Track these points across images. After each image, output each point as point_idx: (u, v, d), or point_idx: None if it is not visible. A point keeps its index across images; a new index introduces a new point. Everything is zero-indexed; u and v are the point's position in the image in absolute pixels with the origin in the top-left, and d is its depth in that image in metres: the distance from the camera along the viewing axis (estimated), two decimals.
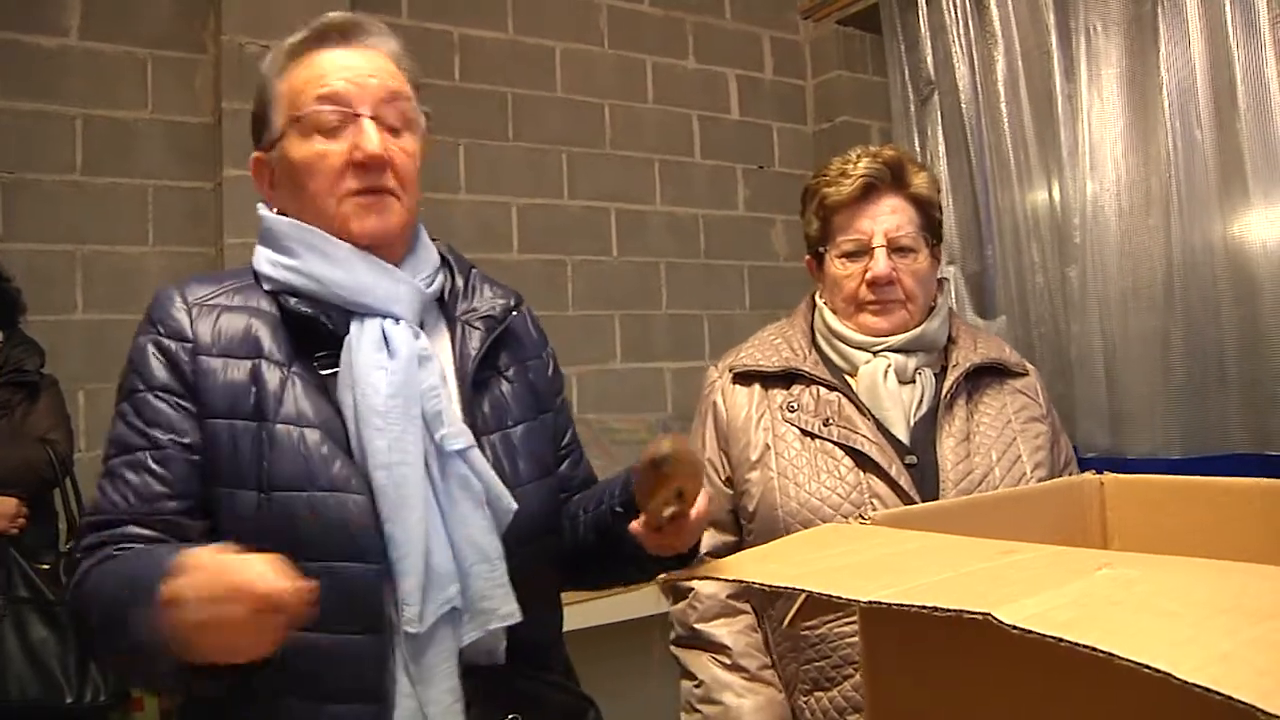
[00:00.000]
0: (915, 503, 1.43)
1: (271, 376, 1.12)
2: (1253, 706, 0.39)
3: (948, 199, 3.60)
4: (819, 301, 1.67)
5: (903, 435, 1.53)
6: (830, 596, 0.64)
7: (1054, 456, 1.58)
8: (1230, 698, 0.40)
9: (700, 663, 1.56)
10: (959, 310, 3.46)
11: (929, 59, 3.66)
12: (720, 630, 1.56)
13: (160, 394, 1.12)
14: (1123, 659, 0.44)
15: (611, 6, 3.88)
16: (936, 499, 1.44)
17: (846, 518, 1.42)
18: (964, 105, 3.49)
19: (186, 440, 1.11)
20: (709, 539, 1.56)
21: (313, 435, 1.09)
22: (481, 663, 1.12)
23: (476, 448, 1.16)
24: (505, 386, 1.27)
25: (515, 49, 3.66)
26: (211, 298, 1.17)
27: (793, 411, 1.55)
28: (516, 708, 1.14)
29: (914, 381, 1.57)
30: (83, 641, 1.08)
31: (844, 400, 1.53)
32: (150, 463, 1.10)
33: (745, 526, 1.58)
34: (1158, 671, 0.43)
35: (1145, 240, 2.93)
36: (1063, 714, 0.60)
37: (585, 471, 1.40)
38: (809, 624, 1.47)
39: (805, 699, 1.49)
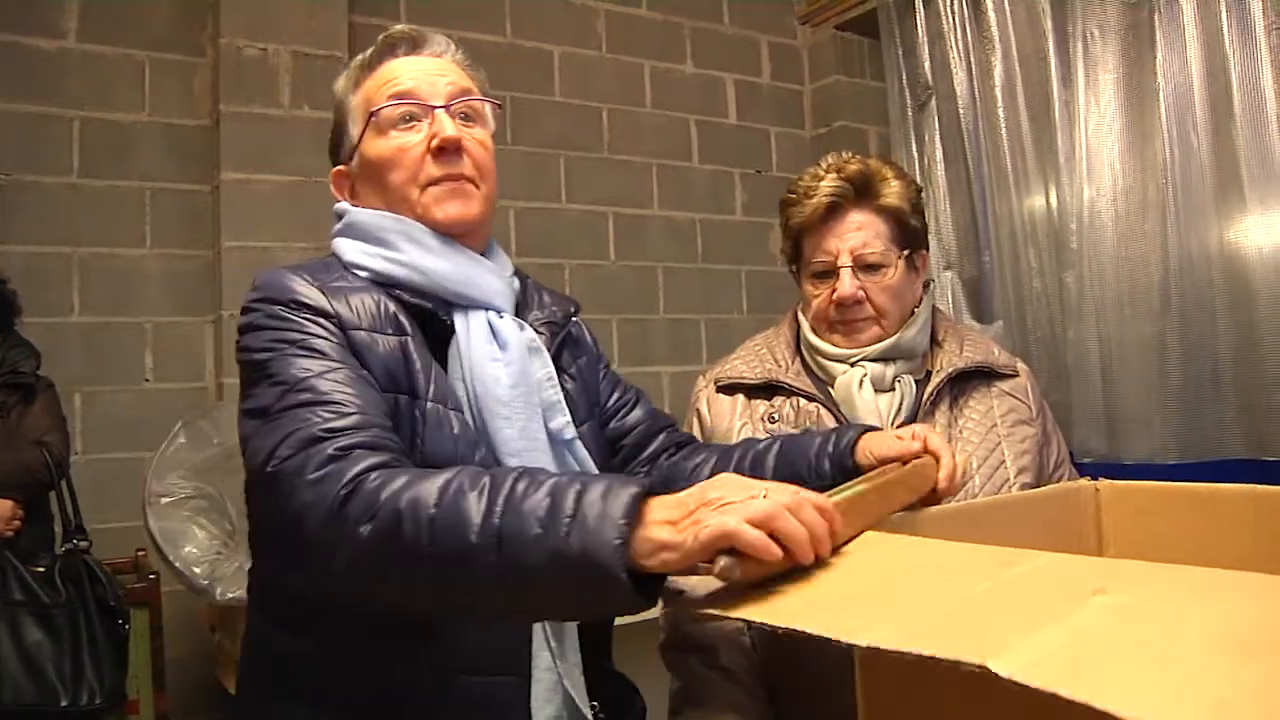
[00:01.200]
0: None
1: (418, 356, 1.12)
2: None
3: (945, 204, 3.62)
4: (800, 315, 1.67)
5: None
6: (830, 640, 0.64)
7: (1042, 459, 1.56)
8: None
9: (685, 664, 1.57)
10: (956, 315, 3.48)
11: (927, 64, 3.67)
12: (707, 633, 1.57)
13: (335, 344, 1.07)
14: (1119, 718, 0.44)
15: (610, 11, 3.88)
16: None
17: None
18: (961, 110, 3.50)
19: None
20: None
21: (456, 418, 1.10)
22: None
23: (579, 439, 1.19)
24: (571, 385, 1.29)
25: (513, 53, 3.67)
26: (332, 281, 1.14)
27: (773, 422, 1.56)
28: (594, 694, 1.17)
29: (893, 389, 1.56)
30: (376, 548, 0.89)
31: (823, 410, 1.54)
32: (365, 384, 1.04)
33: None
34: None
35: (1142, 246, 2.94)
36: None
37: (640, 418, 1.39)
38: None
39: (787, 708, 1.50)
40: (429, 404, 1.09)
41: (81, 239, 2.99)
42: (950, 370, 1.55)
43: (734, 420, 1.59)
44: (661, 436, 1.40)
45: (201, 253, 3.13)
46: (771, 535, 0.79)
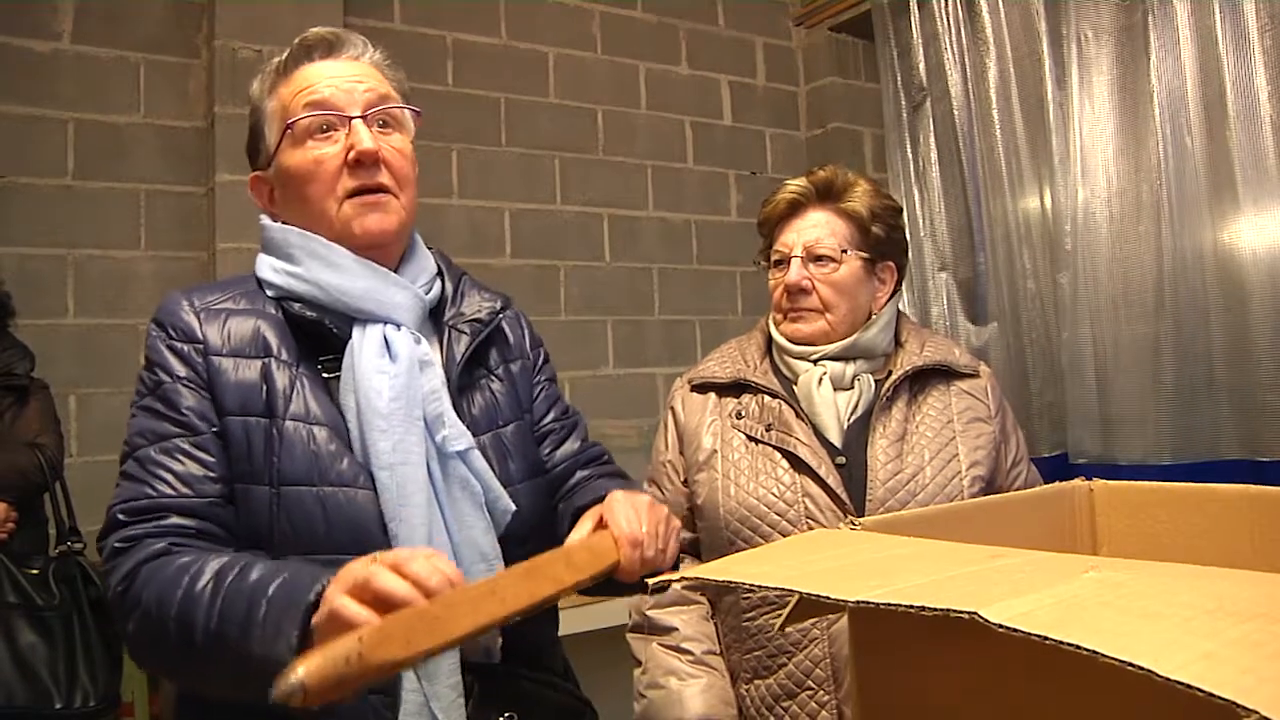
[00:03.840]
0: (844, 501, 1.53)
1: (280, 375, 1.15)
2: (1233, 703, 0.39)
3: (940, 205, 3.62)
4: (770, 316, 1.76)
5: (835, 438, 1.61)
6: (819, 597, 0.64)
7: (998, 457, 1.64)
8: (1211, 694, 0.40)
9: (649, 648, 1.63)
10: (950, 317, 3.49)
11: (921, 65, 3.67)
12: (671, 617, 1.63)
13: (187, 384, 1.14)
14: (1106, 657, 0.44)
15: (604, 12, 3.88)
16: (865, 497, 1.54)
17: (781, 515, 1.54)
18: (956, 112, 3.51)
19: (216, 429, 1.13)
20: None
21: (321, 433, 1.13)
22: (477, 660, 1.14)
23: (477, 450, 1.19)
24: (496, 386, 1.30)
25: (508, 54, 3.67)
26: (217, 302, 1.20)
27: (740, 419, 1.65)
28: (512, 706, 1.16)
29: (852, 387, 1.65)
30: (139, 641, 1.05)
31: (785, 407, 1.62)
32: (189, 447, 1.11)
33: (697, 524, 1.67)
34: (1140, 669, 0.43)
35: (1136, 247, 2.94)
36: (1049, 714, 0.60)
37: (569, 453, 1.39)
38: (749, 615, 1.56)
39: (746, 687, 1.58)
40: (286, 422, 1.12)
41: (76, 241, 2.99)
42: (908, 368, 1.65)
43: (704, 417, 1.69)
44: (581, 472, 1.38)
45: (196, 254, 3.12)
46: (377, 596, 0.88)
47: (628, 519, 1.09)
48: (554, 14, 3.78)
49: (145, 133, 3.10)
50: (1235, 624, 0.50)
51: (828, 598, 0.62)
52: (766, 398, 1.64)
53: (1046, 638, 0.48)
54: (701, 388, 1.72)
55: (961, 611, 0.52)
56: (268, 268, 1.23)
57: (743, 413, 1.65)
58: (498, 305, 1.33)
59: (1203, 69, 2.76)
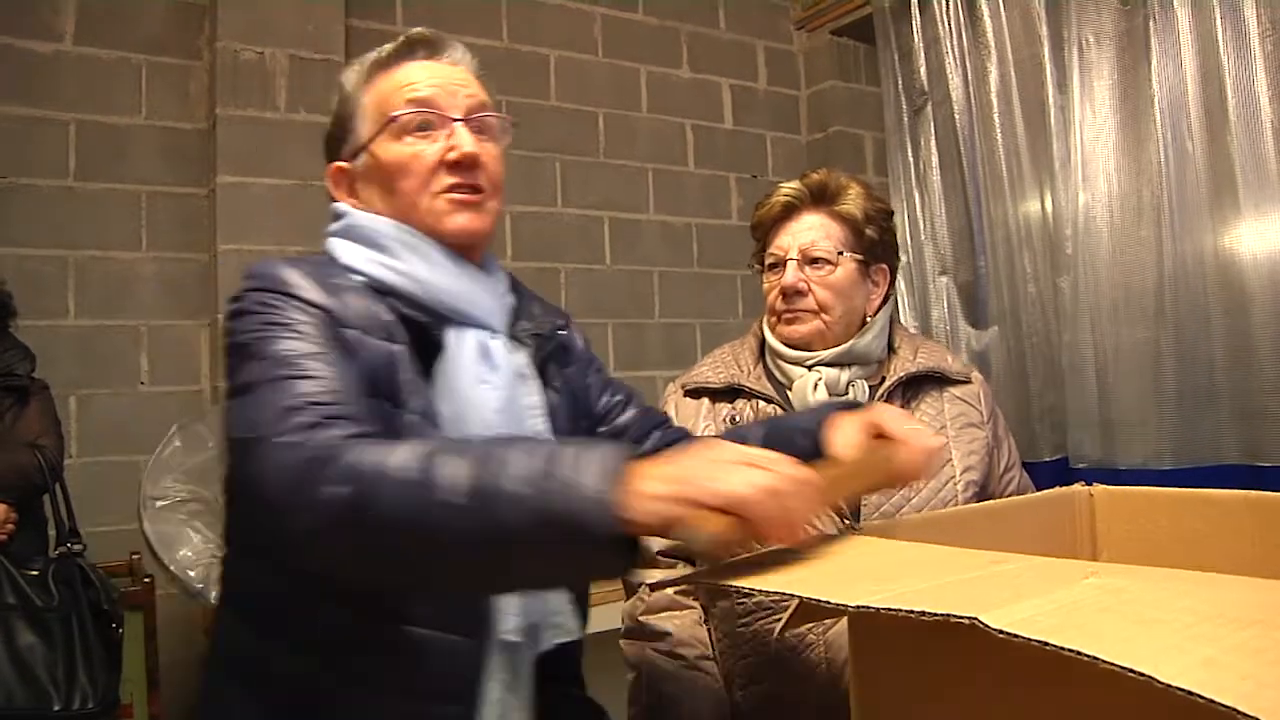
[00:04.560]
0: (839, 505, 1.51)
1: (404, 365, 1.09)
2: (1234, 709, 0.39)
3: (940, 209, 3.62)
4: (765, 320, 1.75)
5: None
6: (819, 602, 0.64)
7: (991, 462, 1.64)
8: (1213, 701, 0.40)
9: (641, 653, 1.63)
10: (951, 320, 3.49)
11: (922, 69, 3.68)
12: (664, 622, 1.62)
13: (323, 332, 1.03)
14: (1107, 663, 0.44)
15: (606, 16, 3.89)
16: (859, 502, 1.53)
17: None
18: (957, 116, 3.51)
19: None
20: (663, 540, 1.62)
21: (436, 435, 1.07)
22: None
23: None
24: (553, 397, 1.26)
25: (510, 57, 3.67)
26: (329, 277, 1.11)
27: (734, 423, 1.64)
28: (554, 717, 1.16)
29: (847, 393, 1.65)
30: (340, 514, 0.85)
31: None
32: (351, 371, 1.01)
33: None
34: (1141, 675, 0.43)
35: (1137, 251, 2.95)
36: (1048, 719, 0.60)
37: (633, 418, 1.38)
38: (743, 620, 1.55)
39: (741, 693, 1.56)
40: (408, 415, 1.06)
41: (77, 242, 2.99)
42: (902, 374, 1.65)
43: (698, 421, 1.67)
44: (655, 435, 1.39)
45: (197, 256, 3.12)
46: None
47: (913, 433, 1.15)
48: (555, 16, 3.78)
49: (147, 134, 3.10)
50: (1236, 630, 0.49)
51: (828, 602, 0.62)
52: (761, 402, 1.64)
53: (1047, 643, 0.48)
54: (695, 393, 1.71)
55: (962, 617, 0.52)
56: (360, 257, 1.15)
57: (737, 417, 1.64)
58: (560, 322, 1.32)
59: (1203, 73, 2.76)
